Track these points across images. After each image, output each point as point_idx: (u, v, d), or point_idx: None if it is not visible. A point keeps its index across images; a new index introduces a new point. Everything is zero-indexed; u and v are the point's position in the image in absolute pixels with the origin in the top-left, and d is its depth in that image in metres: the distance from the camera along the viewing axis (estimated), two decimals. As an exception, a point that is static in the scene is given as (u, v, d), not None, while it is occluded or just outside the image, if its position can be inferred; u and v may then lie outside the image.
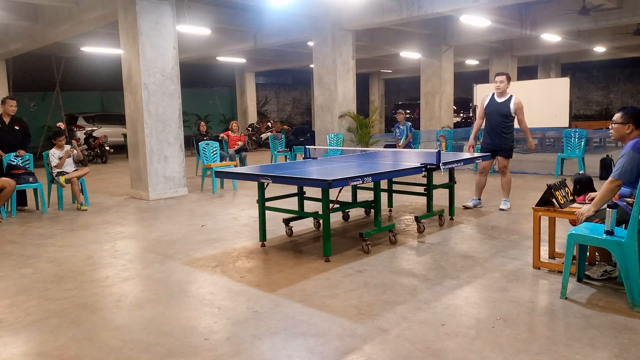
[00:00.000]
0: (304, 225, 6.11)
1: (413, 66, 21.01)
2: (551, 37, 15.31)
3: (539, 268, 4.29)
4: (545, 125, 12.25)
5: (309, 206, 5.90)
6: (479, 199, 7.08)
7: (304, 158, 6.67)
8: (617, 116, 3.83)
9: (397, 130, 11.44)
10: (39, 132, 16.99)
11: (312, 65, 14.13)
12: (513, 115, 6.66)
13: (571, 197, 4.24)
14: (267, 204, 5.33)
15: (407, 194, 6.79)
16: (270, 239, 5.50)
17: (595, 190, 4.43)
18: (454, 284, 4.00)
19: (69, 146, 8.12)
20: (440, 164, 5.32)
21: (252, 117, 23.00)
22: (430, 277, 4.18)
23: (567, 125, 11.43)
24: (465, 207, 6.96)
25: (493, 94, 6.79)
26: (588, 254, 4.07)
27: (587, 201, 4.12)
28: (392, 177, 5.76)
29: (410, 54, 17.64)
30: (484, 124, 6.91)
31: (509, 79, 6.68)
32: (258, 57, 20.34)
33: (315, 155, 6.85)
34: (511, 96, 6.67)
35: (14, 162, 7.53)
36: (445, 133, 12.13)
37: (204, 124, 12.48)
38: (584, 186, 4.48)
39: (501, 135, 6.67)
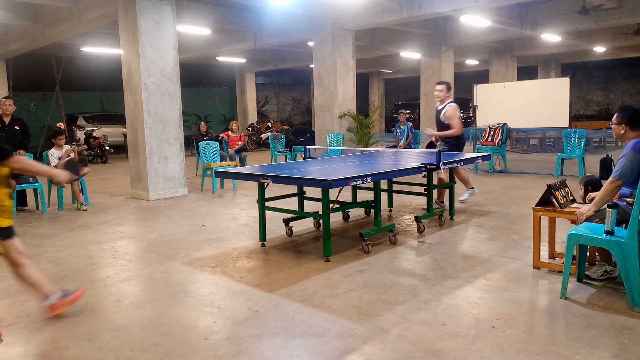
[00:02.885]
0: (304, 225, 6.10)
1: (413, 66, 21.01)
2: (551, 37, 15.31)
3: (539, 268, 4.28)
4: (545, 125, 12.26)
5: (309, 206, 5.90)
6: (472, 187, 7.16)
7: (304, 158, 6.67)
8: (614, 117, 3.90)
9: (398, 130, 11.44)
10: (39, 132, 16.99)
11: (312, 65, 14.13)
12: (446, 122, 6.81)
13: (571, 197, 4.24)
14: (267, 204, 5.33)
15: (407, 194, 6.79)
16: (270, 239, 5.49)
17: None
18: (454, 284, 4.00)
19: (69, 146, 8.12)
20: (440, 164, 5.33)
21: (252, 117, 23.00)
22: (430, 277, 4.18)
23: (567, 125, 11.43)
24: (463, 202, 7.15)
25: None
26: (588, 254, 4.07)
27: (587, 201, 4.12)
28: (392, 177, 5.77)
29: (410, 54, 17.65)
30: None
31: (448, 88, 6.89)
32: (258, 57, 20.33)
33: (315, 155, 6.85)
34: (448, 103, 6.84)
35: (14, 162, 7.52)
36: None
37: (204, 124, 12.48)
38: (595, 188, 4.45)
39: (442, 140, 6.91)
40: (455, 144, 6.87)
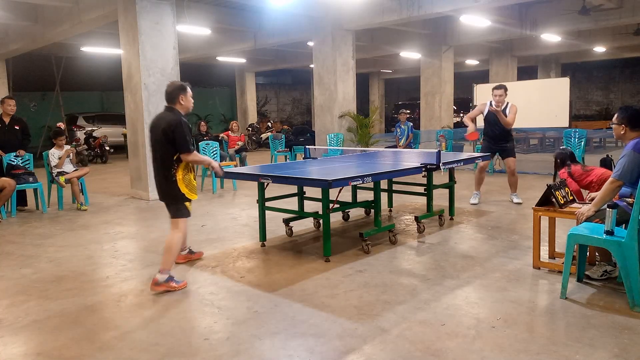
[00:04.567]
0: (304, 225, 6.10)
1: (413, 66, 21.01)
2: (551, 37, 15.31)
3: (539, 268, 4.29)
4: (545, 125, 12.25)
5: (309, 206, 5.90)
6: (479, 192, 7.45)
7: (304, 158, 6.67)
8: (614, 117, 3.89)
9: (398, 130, 11.43)
10: (39, 132, 16.98)
11: (312, 65, 14.13)
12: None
13: (571, 197, 4.25)
14: (267, 204, 5.33)
15: (407, 194, 6.79)
16: (270, 239, 5.49)
17: (577, 162, 4.54)
18: (454, 284, 4.00)
19: (68, 146, 8.12)
20: (440, 164, 5.32)
21: (252, 117, 22.99)
22: (430, 277, 4.18)
23: (567, 125, 11.43)
24: (473, 204, 7.22)
25: (491, 103, 7.06)
26: (588, 254, 4.07)
27: (587, 201, 4.12)
28: (392, 177, 5.76)
29: (410, 54, 17.64)
30: (483, 127, 7.34)
31: (506, 90, 7.06)
32: (258, 57, 20.33)
33: (315, 155, 6.85)
34: (507, 104, 7.06)
35: (14, 162, 7.53)
36: (445, 133, 12.13)
37: (204, 124, 12.47)
38: (563, 161, 4.59)
39: (505, 140, 7.13)
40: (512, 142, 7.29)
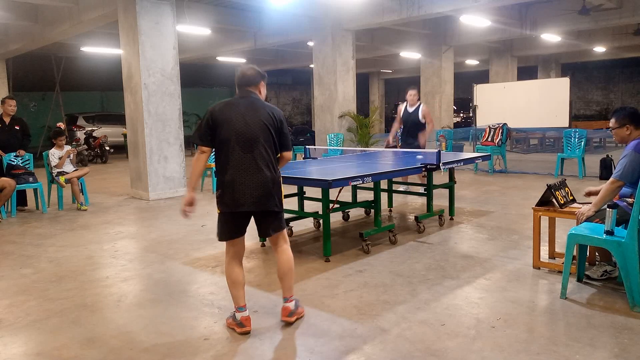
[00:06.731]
0: (304, 225, 6.10)
1: (413, 66, 21.02)
2: (551, 37, 15.31)
3: (539, 268, 4.28)
4: (545, 125, 12.27)
5: (309, 206, 5.90)
6: None
7: (304, 158, 6.67)
8: (612, 122, 3.82)
9: (399, 130, 11.43)
10: (39, 132, 16.98)
11: (312, 65, 14.13)
12: (422, 120, 7.58)
13: (571, 197, 4.24)
14: (267, 204, 5.32)
15: (407, 193, 6.79)
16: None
17: None
18: (454, 284, 4.00)
19: (69, 146, 8.11)
20: (440, 164, 5.33)
21: (252, 117, 22.94)
22: (430, 277, 4.18)
23: (567, 125, 11.44)
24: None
25: (406, 104, 7.71)
26: (588, 254, 4.07)
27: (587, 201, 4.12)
28: (392, 177, 5.76)
29: (410, 54, 17.65)
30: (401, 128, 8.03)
31: (418, 92, 7.83)
32: (258, 57, 20.32)
33: (315, 155, 6.86)
34: (419, 105, 7.65)
35: (14, 162, 7.53)
36: (445, 133, 12.14)
37: (204, 124, 12.45)
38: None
39: (416, 138, 7.63)
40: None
